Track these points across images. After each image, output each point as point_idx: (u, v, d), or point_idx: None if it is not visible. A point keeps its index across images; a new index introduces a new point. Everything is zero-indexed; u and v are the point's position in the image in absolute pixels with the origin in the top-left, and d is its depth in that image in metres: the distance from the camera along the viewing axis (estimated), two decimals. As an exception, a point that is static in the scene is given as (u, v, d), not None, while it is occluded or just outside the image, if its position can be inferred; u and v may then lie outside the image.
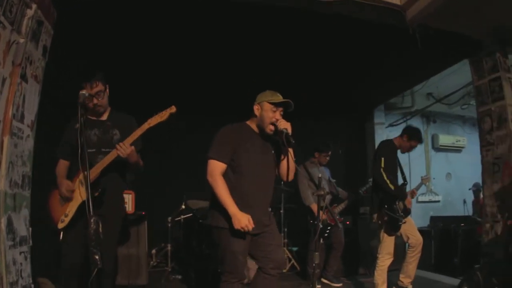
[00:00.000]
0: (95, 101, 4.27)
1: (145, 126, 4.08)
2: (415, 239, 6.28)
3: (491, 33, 6.17)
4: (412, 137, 6.42)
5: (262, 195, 4.26)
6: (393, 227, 6.13)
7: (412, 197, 6.57)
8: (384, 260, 6.18)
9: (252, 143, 4.23)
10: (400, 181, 6.46)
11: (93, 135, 4.36)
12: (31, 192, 4.49)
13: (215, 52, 6.97)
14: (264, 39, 6.56)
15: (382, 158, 6.24)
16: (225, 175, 4.15)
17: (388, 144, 6.54)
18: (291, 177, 4.31)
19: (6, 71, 3.87)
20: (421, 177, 7.07)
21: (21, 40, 4.09)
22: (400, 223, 6.09)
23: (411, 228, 6.33)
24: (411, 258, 6.30)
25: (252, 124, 4.34)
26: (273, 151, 4.35)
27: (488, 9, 5.55)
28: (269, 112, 4.16)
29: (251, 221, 3.92)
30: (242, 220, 3.89)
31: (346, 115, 10.70)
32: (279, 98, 4.18)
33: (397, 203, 6.14)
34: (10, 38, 3.88)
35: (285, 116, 4.23)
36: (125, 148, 4.08)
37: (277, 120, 4.12)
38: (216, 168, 4.10)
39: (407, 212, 6.25)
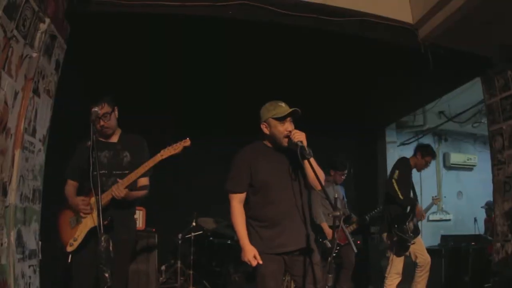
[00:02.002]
0: (101, 122, 4.26)
1: (158, 157, 4.08)
2: (423, 259, 6.28)
3: (502, 51, 6.15)
4: (425, 153, 6.50)
5: (291, 211, 4.01)
6: (402, 248, 6.12)
7: (422, 219, 6.55)
8: (393, 279, 6.18)
9: (268, 160, 4.06)
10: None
11: (103, 157, 4.35)
12: (41, 206, 4.51)
13: (225, 70, 7.01)
14: (275, 57, 6.60)
15: (397, 171, 6.30)
16: (249, 198, 4.10)
17: (405, 161, 6.61)
18: (323, 183, 3.91)
19: (19, 85, 3.88)
20: (432, 197, 7.05)
21: (34, 54, 4.11)
22: (409, 243, 6.08)
23: (420, 248, 6.34)
24: (419, 278, 6.30)
25: (266, 142, 4.15)
26: (293, 163, 4.04)
27: (498, 27, 5.54)
28: (278, 127, 3.95)
29: (258, 257, 3.85)
30: (247, 254, 3.88)
31: (357, 133, 10.66)
32: (283, 109, 3.95)
33: (407, 223, 6.13)
34: (23, 52, 3.90)
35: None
36: (120, 191, 4.06)
37: (290, 132, 3.87)
38: (234, 198, 4.07)
39: (417, 232, 6.24)
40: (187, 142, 4.04)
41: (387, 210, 6.47)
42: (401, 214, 6.24)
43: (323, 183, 3.91)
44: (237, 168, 4.11)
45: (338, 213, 3.49)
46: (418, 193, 6.81)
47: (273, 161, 4.07)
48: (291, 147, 3.90)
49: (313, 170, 3.81)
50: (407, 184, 6.43)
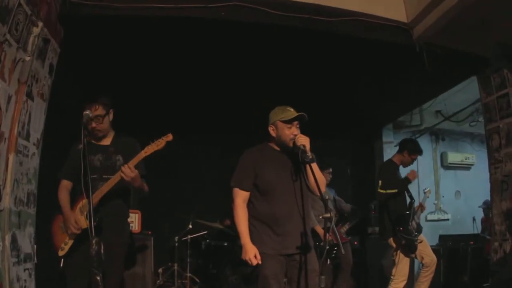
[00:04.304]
0: (93, 124, 4.27)
1: (141, 155, 4.08)
2: (430, 259, 6.28)
3: (498, 49, 6.14)
4: (413, 151, 6.51)
5: (293, 214, 4.12)
6: (411, 249, 6.13)
7: (422, 211, 6.57)
8: (398, 282, 6.17)
9: (274, 162, 4.21)
10: (407, 199, 6.43)
11: (96, 160, 4.35)
12: (36, 210, 4.49)
13: (220, 71, 6.97)
14: (270, 58, 6.55)
15: (380, 181, 6.31)
16: (253, 198, 4.20)
17: (387, 165, 6.62)
18: (322, 189, 3.96)
19: (12, 89, 3.87)
20: (423, 190, 7.01)
21: (27, 58, 4.10)
22: (416, 242, 6.08)
23: (426, 248, 6.36)
24: (424, 278, 6.28)
25: (273, 144, 4.31)
26: (297, 166, 4.18)
27: (494, 26, 5.54)
28: (284, 130, 4.12)
29: (258, 257, 3.91)
30: (248, 253, 3.92)
31: (354, 134, 10.65)
32: (290, 113, 4.12)
33: (410, 224, 6.12)
34: (16, 56, 3.89)
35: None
36: (130, 172, 4.02)
37: (295, 135, 4.04)
38: (238, 196, 4.17)
39: (419, 230, 6.22)
40: (169, 137, 4.05)
41: (386, 215, 6.44)
42: (401, 215, 6.22)
43: (323, 188, 3.99)
44: (243, 166, 4.26)
45: (329, 215, 3.55)
46: (416, 193, 6.78)
47: (278, 163, 4.21)
48: (295, 151, 3.98)
49: (313, 175, 3.87)
50: (394, 183, 6.40)
